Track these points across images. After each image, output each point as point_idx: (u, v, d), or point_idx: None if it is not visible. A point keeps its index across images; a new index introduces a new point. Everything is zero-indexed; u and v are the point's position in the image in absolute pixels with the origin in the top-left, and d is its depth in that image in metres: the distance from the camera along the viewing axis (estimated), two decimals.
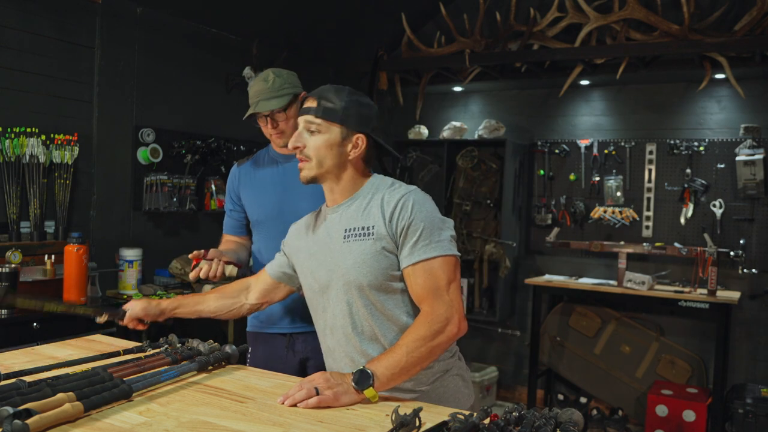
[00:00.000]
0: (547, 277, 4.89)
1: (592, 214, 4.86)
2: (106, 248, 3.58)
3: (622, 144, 4.82)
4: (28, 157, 3.19)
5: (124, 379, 1.46)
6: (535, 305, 4.74)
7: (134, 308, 1.88)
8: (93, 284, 3.36)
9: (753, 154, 4.29)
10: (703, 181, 4.54)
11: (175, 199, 3.83)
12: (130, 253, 3.53)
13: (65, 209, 3.37)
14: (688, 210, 4.57)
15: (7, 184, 3.15)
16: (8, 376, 1.51)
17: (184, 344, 1.81)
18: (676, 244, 4.35)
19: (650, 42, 4.05)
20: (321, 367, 2.38)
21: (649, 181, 4.74)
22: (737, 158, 4.36)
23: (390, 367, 1.48)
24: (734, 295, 4.25)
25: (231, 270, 2.14)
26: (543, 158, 5.10)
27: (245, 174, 2.49)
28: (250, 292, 1.93)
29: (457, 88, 5.24)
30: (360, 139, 1.68)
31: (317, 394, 1.42)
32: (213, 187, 4.09)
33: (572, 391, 4.99)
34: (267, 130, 2.36)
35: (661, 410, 4.15)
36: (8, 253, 2.99)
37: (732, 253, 4.24)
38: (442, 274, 1.57)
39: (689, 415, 4.07)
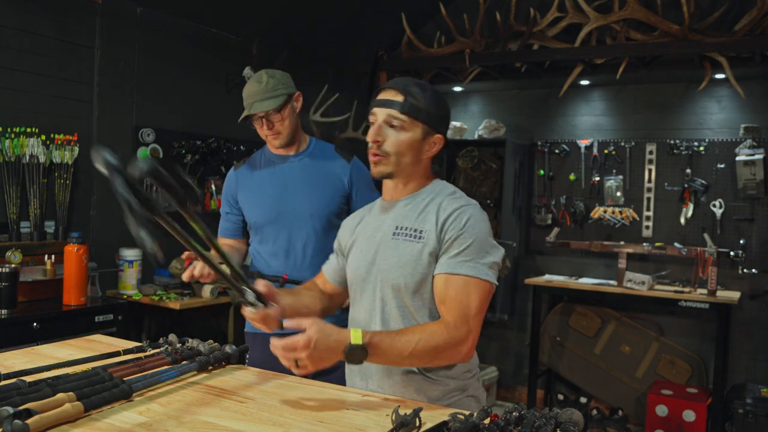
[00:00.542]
0: (547, 277, 4.89)
1: (592, 214, 4.86)
2: (106, 248, 3.58)
3: (622, 144, 4.82)
4: (28, 157, 3.19)
5: (124, 379, 1.45)
6: (535, 305, 4.74)
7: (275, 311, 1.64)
8: (93, 284, 3.36)
9: (753, 154, 4.29)
10: (703, 181, 4.54)
11: None
12: (130, 253, 3.53)
13: (65, 209, 3.37)
14: (688, 210, 4.57)
15: (7, 184, 3.15)
16: (8, 376, 1.51)
17: (184, 344, 1.81)
18: (676, 244, 4.35)
19: (650, 42, 4.05)
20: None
21: (649, 181, 4.74)
22: (737, 158, 4.36)
23: (388, 355, 1.44)
24: (734, 295, 4.25)
25: (223, 269, 2.11)
26: (543, 158, 5.10)
27: (242, 177, 2.49)
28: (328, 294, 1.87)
29: (457, 88, 5.24)
30: (438, 140, 1.64)
31: (297, 366, 1.42)
32: (213, 187, 4.09)
33: (572, 391, 4.99)
34: (263, 131, 2.36)
35: (661, 410, 4.15)
36: (8, 253, 2.99)
37: (732, 253, 4.24)
38: (475, 297, 1.52)
39: (689, 415, 4.07)
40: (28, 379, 1.45)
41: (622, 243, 4.54)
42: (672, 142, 4.63)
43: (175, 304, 3.43)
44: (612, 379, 4.73)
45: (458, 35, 4.65)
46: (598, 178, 4.89)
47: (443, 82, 5.07)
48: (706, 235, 4.35)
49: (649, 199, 4.74)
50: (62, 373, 1.52)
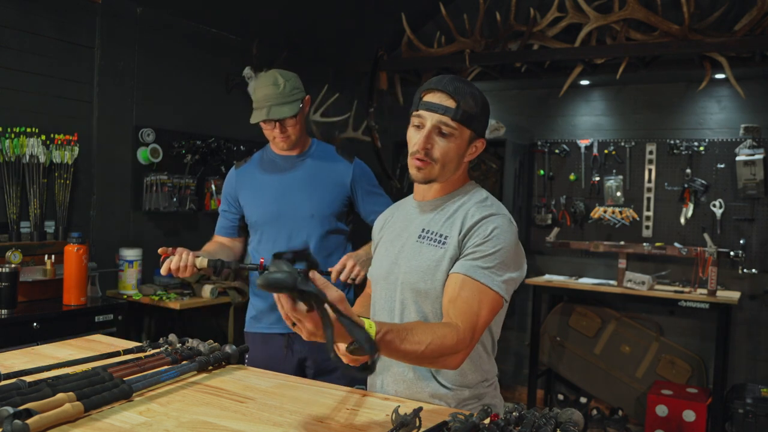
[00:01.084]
0: (547, 277, 4.89)
1: (592, 214, 4.87)
2: (106, 248, 3.58)
3: (622, 144, 4.82)
4: (28, 157, 3.19)
5: (124, 379, 1.45)
6: (535, 305, 4.74)
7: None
8: (93, 284, 3.36)
9: (753, 154, 4.29)
10: (703, 181, 4.54)
11: (175, 199, 3.83)
12: (130, 253, 3.53)
13: (65, 209, 3.37)
14: (688, 210, 4.57)
15: (7, 184, 3.15)
16: (8, 376, 1.51)
17: (184, 344, 1.81)
18: (676, 244, 4.35)
19: (650, 42, 4.05)
20: (320, 366, 2.38)
21: (649, 181, 4.74)
22: (737, 158, 4.36)
23: (395, 354, 1.34)
24: (734, 295, 4.25)
25: (201, 261, 2.07)
26: (543, 158, 5.10)
27: (243, 176, 2.48)
28: None
29: None
30: (480, 144, 1.60)
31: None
32: (213, 187, 4.09)
33: (572, 391, 4.99)
34: (273, 133, 2.35)
35: (661, 410, 4.15)
36: (8, 253, 2.99)
37: (732, 253, 4.24)
38: (485, 309, 1.47)
39: (689, 415, 4.07)
40: (28, 379, 1.44)
41: (622, 243, 4.54)
42: (672, 142, 4.63)
43: (175, 304, 3.43)
44: (612, 379, 4.73)
45: (458, 35, 4.65)
46: (598, 178, 4.89)
47: None
48: (706, 235, 4.35)
49: (649, 199, 4.74)
50: (62, 373, 1.52)
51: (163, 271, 2.04)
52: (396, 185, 5.05)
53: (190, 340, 1.83)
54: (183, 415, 1.35)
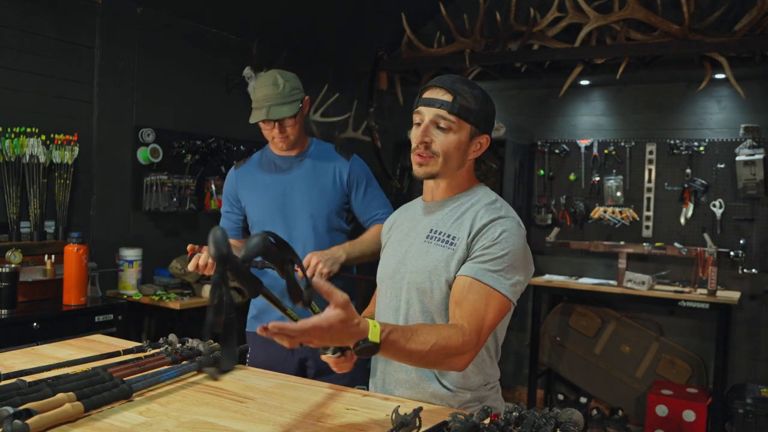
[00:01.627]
0: (547, 277, 4.89)
1: (592, 214, 4.86)
2: (106, 248, 3.58)
3: (622, 144, 4.82)
4: (28, 157, 3.19)
5: (124, 379, 1.45)
6: (535, 305, 4.74)
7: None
8: (93, 284, 3.36)
9: (753, 154, 4.29)
10: (703, 181, 4.54)
11: (175, 199, 3.83)
12: (130, 253, 3.53)
13: (65, 209, 3.37)
14: (688, 210, 4.57)
15: (7, 184, 3.15)
16: (8, 376, 1.51)
17: (184, 344, 1.81)
18: (676, 244, 4.35)
19: (650, 42, 4.05)
20: (320, 366, 2.38)
21: (649, 181, 4.74)
22: (737, 158, 4.36)
23: (399, 355, 1.33)
24: (734, 295, 4.25)
25: None
26: (543, 158, 5.10)
27: (243, 176, 2.49)
28: None
29: None
30: (484, 140, 1.59)
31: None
32: (213, 187, 4.10)
33: (572, 391, 4.99)
34: (272, 133, 2.35)
35: (661, 410, 4.15)
36: (8, 253, 2.99)
37: (732, 253, 4.24)
38: (492, 312, 1.47)
39: (689, 415, 4.07)
40: (28, 379, 1.45)
41: (622, 243, 4.54)
42: (672, 142, 4.63)
43: (175, 304, 3.43)
44: (612, 379, 4.73)
45: (458, 35, 4.65)
46: (598, 178, 4.89)
47: None
48: (706, 235, 4.35)
49: (649, 199, 4.74)
50: (62, 373, 1.52)
51: (190, 266, 2.06)
52: (396, 185, 5.05)
53: (190, 340, 1.83)
54: (183, 415, 1.35)
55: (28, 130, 3.20)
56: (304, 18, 4.46)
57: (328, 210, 2.38)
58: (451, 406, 1.55)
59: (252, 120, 2.35)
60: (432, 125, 1.55)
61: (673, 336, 4.66)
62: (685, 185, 4.59)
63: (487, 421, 1.27)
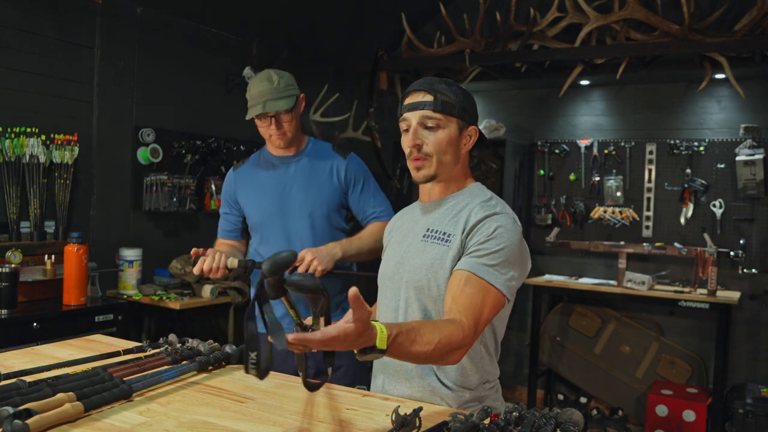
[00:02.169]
0: (547, 277, 4.89)
1: (592, 214, 4.87)
2: (106, 248, 3.58)
3: (622, 144, 4.82)
4: (28, 157, 3.19)
5: (124, 379, 1.45)
6: (535, 305, 4.74)
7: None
8: (93, 284, 3.36)
9: (753, 154, 4.29)
10: (703, 181, 4.54)
11: (175, 199, 3.83)
12: (130, 253, 3.53)
13: (65, 209, 3.36)
14: (688, 210, 4.57)
15: (7, 184, 3.15)
16: (8, 376, 1.51)
17: (184, 344, 1.81)
18: (676, 244, 4.35)
19: (650, 42, 4.05)
20: (320, 367, 2.37)
21: (649, 181, 4.74)
22: (737, 158, 4.36)
23: (403, 357, 1.32)
24: (734, 295, 4.25)
25: (232, 261, 2.15)
26: (543, 158, 5.10)
27: (241, 177, 2.49)
28: None
29: None
30: (473, 131, 1.63)
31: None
32: (213, 187, 4.09)
33: (572, 391, 4.99)
34: (269, 130, 2.35)
35: (661, 410, 4.15)
36: (8, 253, 2.99)
37: (732, 253, 4.24)
38: (488, 307, 1.47)
39: (689, 415, 4.07)
40: (28, 379, 1.45)
41: (622, 243, 4.54)
42: (672, 142, 4.63)
43: (175, 304, 3.43)
44: (612, 379, 4.73)
45: (458, 35, 4.65)
46: (598, 178, 4.89)
47: None
48: (706, 235, 4.35)
49: (649, 199, 4.74)
50: (62, 373, 1.52)
51: (195, 270, 2.09)
52: (396, 185, 5.05)
53: (190, 340, 1.83)
54: (183, 415, 1.35)
55: (28, 130, 3.20)
56: (304, 18, 4.46)
57: (326, 209, 2.38)
58: (450, 406, 1.56)
59: (249, 116, 2.35)
60: (420, 127, 1.58)
61: (673, 336, 4.66)
62: (685, 185, 4.59)
63: (487, 421, 1.27)
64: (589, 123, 5.01)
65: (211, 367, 1.69)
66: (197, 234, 4.05)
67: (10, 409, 1.18)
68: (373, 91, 4.81)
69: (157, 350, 1.79)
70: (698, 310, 4.18)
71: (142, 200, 3.76)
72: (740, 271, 4.34)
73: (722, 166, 4.50)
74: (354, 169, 2.42)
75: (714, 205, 4.50)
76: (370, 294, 1.91)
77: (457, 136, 1.60)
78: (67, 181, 3.36)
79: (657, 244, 4.43)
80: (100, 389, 1.37)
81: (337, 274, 2.33)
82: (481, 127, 5.07)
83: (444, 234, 1.58)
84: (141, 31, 3.74)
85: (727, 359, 4.30)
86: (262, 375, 1.21)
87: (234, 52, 4.26)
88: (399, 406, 1.28)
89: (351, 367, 2.28)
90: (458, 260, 1.53)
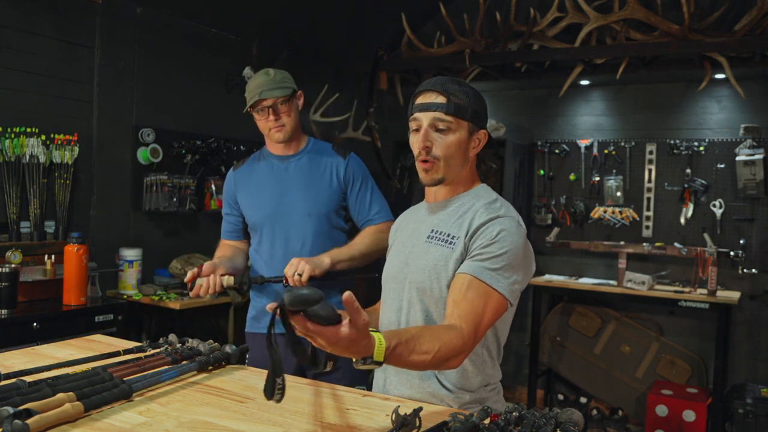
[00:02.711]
0: (547, 277, 4.89)
1: (592, 214, 4.86)
2: (106, 248, 3.58)
3: (622, 144, 4.82)
4: (28, 157, 3.19)
5: (124, 379, 1.45)
6: (535, 305, 4.74)
7: None
8: (93, 284, 3.36)
9: (753, 154, 4.29)
10: (703, 181, 4.54)
11: (175, 199, 3.83)
12: (130, 253, 3.53)
13: (65, 209, 3.36)
14: (688, 210, 4.57)
15: (7, 184, 3.15)
16: (8, 376, 1.51)
17: (184, 344, 1.81)
18: (676, 244, 4.35)
19: (650, 42, 4.05)
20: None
21: (649, 181, 4.74)
22: (737, 158, 4.36)
23: (402, 365, 1.33)
24: (734, 295, 4.25)
25: (228, 280, 2.21)
26: (543, 158, 5.10)
27: (241, 177, 2.49)
28: None
29: None
30: (482, 135, 1.61)
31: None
32: (213, 187, 4.09)
33: (572, 391, 4.99)
34: (267, 123, 2.34)
35: (661, 410, 4.15)
36: (8, 253, 2.99)
37: (732, 253, 4.24)
38: (490, 311, 1.46)
39: (689, 415, 4.07)
40: (28, 379, 1.44)
41: (622, 243, 4.54)
42: (672, 142, 4.63)
43: (175, 304, 3.43)
44: (612, 379, 4.73)
45: (458, 35, 4.65)
46: (598, 178, 4.89)
47: None
48: (706, 235, 4.35)
49: (649, 199, 4.74)
50: (62, 373, 1.52)
51: (192, 294, 2.17)
52: (396, 185, 5.05)
53: (190, 340, 1.83)
54: (183, 415, 1.35)
55: (28, 130, 3.20)
56: (304, 18, 4.46)
57: (326, 209, 2.38)
58: (450, 407, 1.55)
59: (246, 105, 2.34)
60: (431, 129, 1.56)
61: (673, 336, 4.66)
62: (685, 185, 4.59)
63: (487, 421, 1.27)
64: (589, 123, 5.01)
65: (211, 367, 1.69)
66: (197, 234, 4.05)
67: (10, 409, 1.18)
68: (373, 91, 4.81)
69: (157, 350, 1.79)
70: (698, 310, 4.18)
71: (142, 200, 3.76)
72: (740, 271, 4.34)
73: (722, 166, 4.50)
74: (353, 169, 2.42)
75: (714, 205, 4.50)
76: (370, 297, 1.92)
77: (466, 139, 1.58)
78: (67, 181, 3.36)
79: (657, 244, 4.43)
80: (100, 389, 1.37)
81: (336, 277, 2.32)
82: None
83: (448, 236, 1.57)
84: (141, 31, 3.74)
85: (727, 359, 4.30)
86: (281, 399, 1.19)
87: (234, 52, 4.26)
88: (399, 406, 1.28)
89: (351, 367, 2.27)
90: (461, 263, 1.52)
